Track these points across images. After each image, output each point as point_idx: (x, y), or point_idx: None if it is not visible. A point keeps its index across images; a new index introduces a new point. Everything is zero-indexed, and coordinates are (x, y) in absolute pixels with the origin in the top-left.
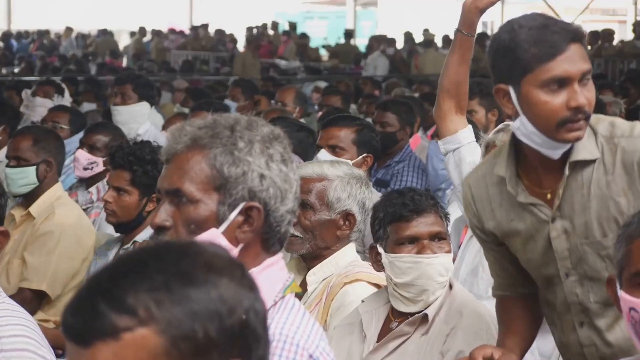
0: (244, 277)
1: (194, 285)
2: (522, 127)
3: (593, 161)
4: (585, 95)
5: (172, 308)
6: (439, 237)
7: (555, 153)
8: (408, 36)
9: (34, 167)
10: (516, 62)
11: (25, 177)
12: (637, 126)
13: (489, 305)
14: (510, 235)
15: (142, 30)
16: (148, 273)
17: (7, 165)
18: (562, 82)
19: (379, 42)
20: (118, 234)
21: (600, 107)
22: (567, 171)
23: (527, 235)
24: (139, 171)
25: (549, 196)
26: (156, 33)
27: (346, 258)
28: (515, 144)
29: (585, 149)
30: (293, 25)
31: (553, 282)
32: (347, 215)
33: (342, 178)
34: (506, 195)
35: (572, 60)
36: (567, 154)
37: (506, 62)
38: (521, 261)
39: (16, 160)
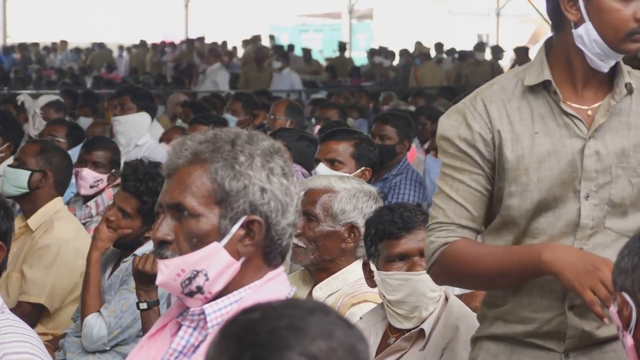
0: None
1: None
2: (585, 35)
3: (633, 91)
4: None
5: None
6: None
7: (607, 66)
8: (404, 51)
9: (28, 173)
10: None
11: (17, 179)
12: None
13: None
14: (527, 150)
15: (144, 44)
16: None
17: (9, 165)
18: None
19: (375, 54)
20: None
21: None
22: (623, 90)
23: (549, 151)
24: (148, 203)
25: (589, 112)
26: (152, 46)
27: (354, 275)
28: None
29: (632, 77)
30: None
31: (557, 205)
32: (352, 228)
33: (349, 191)
34: (534, 106)
35: None
36: (610, 74)
37: None
38: (516, 182)
39: (17, 161)
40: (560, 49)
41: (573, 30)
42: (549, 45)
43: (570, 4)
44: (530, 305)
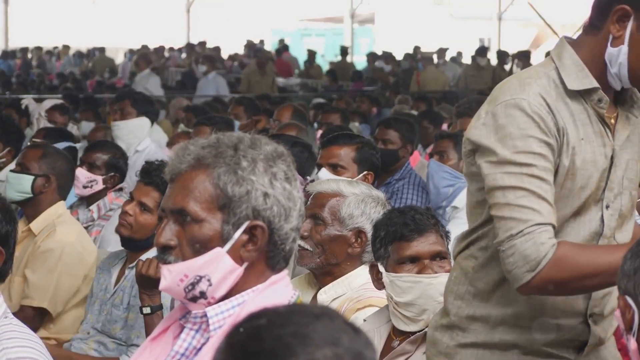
0: None
1: None
2: (616, 55)
3: None
4: None
5: None
6: (440, 256)
7: (619, 86)
8: (408, 55)
9: (31, 178)
10: None
11: (20, 185)
12: None
13: None
14: (575, 156)
15: (145, 48)
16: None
17: (11, 170)
18: None
19: (375, 58)
20: (121, 249)
21: None
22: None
23: (590, 159)
24: None
25: (612, 121)
26: (154, 51)
27: (359, 280)
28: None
29: None
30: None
31: (583, 212)
32: (359, 233)
33: (357, 195)
34: (573, 110)
35: None
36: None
37: None
38: (562, 187)
39: (20, 166)
40: (589, 51)
41: (609, 45)
42: (575, 46)
43: (619, 21)
44: (553, 311)
